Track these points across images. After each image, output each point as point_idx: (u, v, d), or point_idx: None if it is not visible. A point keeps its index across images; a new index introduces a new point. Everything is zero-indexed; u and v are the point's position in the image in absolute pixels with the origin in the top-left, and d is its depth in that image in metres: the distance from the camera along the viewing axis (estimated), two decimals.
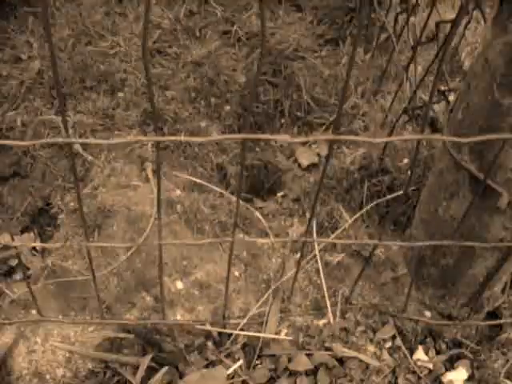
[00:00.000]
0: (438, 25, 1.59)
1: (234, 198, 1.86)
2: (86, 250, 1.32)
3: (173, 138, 1.05)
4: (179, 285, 1.69)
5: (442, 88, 1.72)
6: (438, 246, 1.56)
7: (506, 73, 1.16)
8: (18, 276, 1.77)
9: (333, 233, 1.80)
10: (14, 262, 1.78)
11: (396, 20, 2.03)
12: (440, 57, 1.63)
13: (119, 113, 1.94)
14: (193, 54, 2.18)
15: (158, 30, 2.28)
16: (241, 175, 1.08)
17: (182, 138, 1.07)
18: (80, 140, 1.76)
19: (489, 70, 1.20)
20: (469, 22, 1.78)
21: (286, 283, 1.70)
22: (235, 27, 2.36)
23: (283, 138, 1.04)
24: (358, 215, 1.76)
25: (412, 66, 1.89)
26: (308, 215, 1.91)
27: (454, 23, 1.33)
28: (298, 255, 1.80)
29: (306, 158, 2.07)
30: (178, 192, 1.81)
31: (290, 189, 2.01)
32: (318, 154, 2.11)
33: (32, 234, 1.88)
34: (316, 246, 1.71)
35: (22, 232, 1.88)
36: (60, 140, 0.98)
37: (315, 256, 1.72)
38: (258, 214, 1.84)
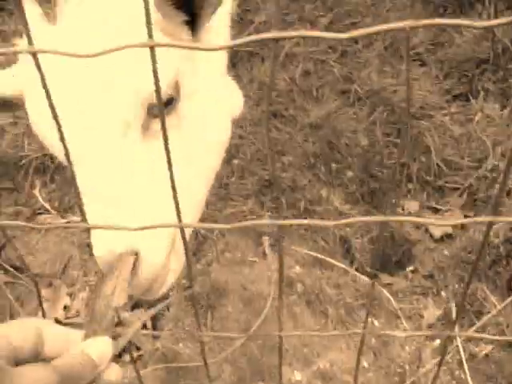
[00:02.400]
0: None
1: (359, 276, 1.67)
2: (198, 339, 1.18)
3: (297, 221, 0.89)
4: (299, 375, 1.50)
5: None
6: None
7: None
8: (127, 357, 1.67)
9: (477, 317, 1.55)
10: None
11: None
12: None
13: (234, 181, 1.82)
14: (310, 115, 2.05)
15: (274, 92, 2.17)
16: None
17: (308, 221, 0.91)
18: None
19: None
20: None
21: (423, 377, 1.47)
22: (354, 85, 2.22)
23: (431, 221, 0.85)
24: (508, 301, 1.51)
25: None
26: (444, 294, 1.68)
27: None
28: (436, 341, 1.57)
29: (438, 228, 1.85)
30: (298, 269, 1.65)
31: (420, 262, 1.79)
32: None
33: (143, 310, 1.78)
34: (458, 338, 1.48)
35: (132, 308, 1.78)
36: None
37: (457, 346, 1.48)
38: (386, 293, 1.64)
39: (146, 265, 0.93)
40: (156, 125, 0.95)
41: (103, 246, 0.88)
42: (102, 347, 0.67)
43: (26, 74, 0.96)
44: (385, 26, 0.56)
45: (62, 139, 0.66)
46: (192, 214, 1.11)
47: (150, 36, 0.58)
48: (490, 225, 0.84)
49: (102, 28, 0.89)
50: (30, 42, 0.58)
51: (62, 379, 0.58)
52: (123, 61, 0.87)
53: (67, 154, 0.67)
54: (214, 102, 1.12)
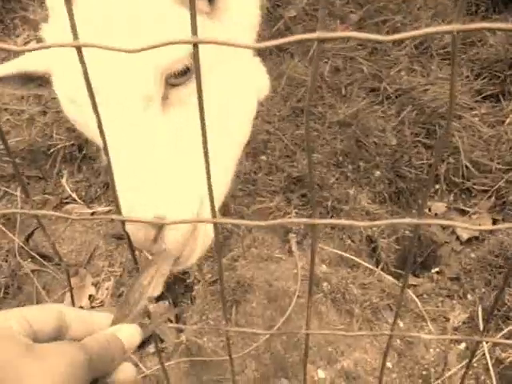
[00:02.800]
0: None
1: (385, 276, 1.66)
2: (224, 333, 1.18)
3: (329, 221, 0.88)
4: (323, 373, 1.50)
5: None
6: None
7: None
8: (151, 348, 1.67)
9: (504, 322, 1.54)
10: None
11: None
12: None
13: (261, 177, 1.82)
14: (339, 113, 2.04)
15: (302, 88, 2.16)
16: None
17: (340, 221, 0.91)
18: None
19: None
20: None
21: (447, 380, 1.46)
22: (383, 84, 2.20)
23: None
24: None
25: None
26: (470, 297, 1.66)
27: None
28: (461, 345, 1.56)
29: (466, 230, 1.83)
30: (324, 267, 1.64)
31: (446, 265, 1.78)
32: (479, 224, 1.86)
33: (167, 303, 1.79)
34: (485, 344, 1.46)
35: (157, 300, 1.79)
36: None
37: (483, 352, 1.47)
38: (412, 294, 1.63)
39: (172, 228, 0.92)
40: (174, 94, 0.96)
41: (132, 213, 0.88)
42: (131, 333, 0.68)
43: (53, 52, 0.97)
44: (431, 30, 0.55)
45: (99, 120, 0.66)
46: (220, 185, 1.09)
47: (195, 33, 0.58)
48: None
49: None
50: (76, 37, 0.58)
51: (91, 357, 0.58)
52: (141, 35, 0.88)
53: (102, 132, 0.66)
54: (239, 76, 1.12)
